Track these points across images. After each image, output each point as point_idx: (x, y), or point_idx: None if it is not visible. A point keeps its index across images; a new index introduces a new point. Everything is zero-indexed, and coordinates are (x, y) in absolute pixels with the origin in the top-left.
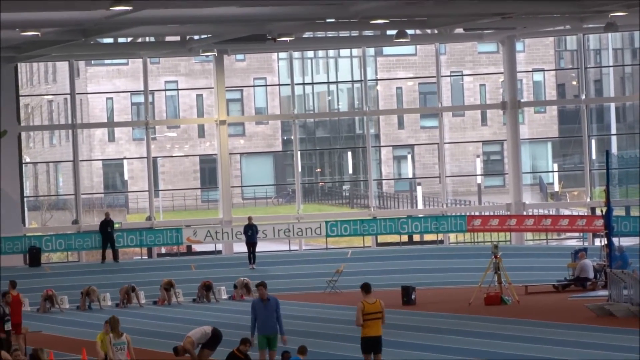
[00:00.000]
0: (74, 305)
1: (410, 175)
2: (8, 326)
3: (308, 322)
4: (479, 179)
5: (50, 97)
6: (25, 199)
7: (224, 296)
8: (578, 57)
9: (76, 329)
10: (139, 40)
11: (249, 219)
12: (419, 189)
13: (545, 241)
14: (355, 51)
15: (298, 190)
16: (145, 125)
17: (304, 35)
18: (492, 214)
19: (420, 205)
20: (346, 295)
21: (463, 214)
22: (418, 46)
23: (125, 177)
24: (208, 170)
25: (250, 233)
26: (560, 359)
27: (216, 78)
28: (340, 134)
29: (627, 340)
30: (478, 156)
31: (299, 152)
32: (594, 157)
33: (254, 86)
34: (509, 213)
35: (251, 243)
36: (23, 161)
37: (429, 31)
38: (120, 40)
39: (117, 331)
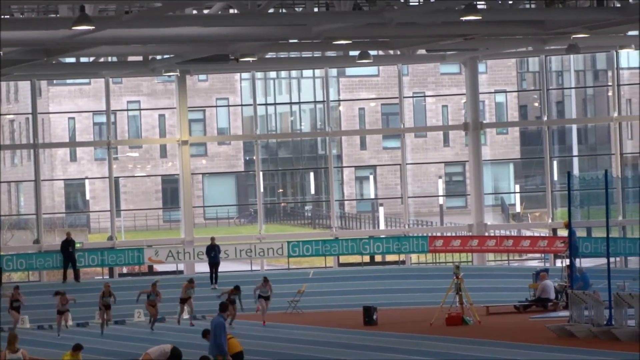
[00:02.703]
0: (34, 325)
1: (373, 196)
2: None
3: (270, 342)
4: (441, 200)
5: (11, 116)
6: None
7: (185, 316)
8: (540, 78)
9: (38, 349)
10: (101, 60)
11: (212, 239)
12: (381, 209)
13: (506, 262)
14: (317, 72)
15: (260, 211)
16: (107, 145)
17: (267, 56)
18: (454, 234)
19: (382, 226)
20: (308, 315)
21: (425, 234)
22: (380, 67)
23: (87, 197)
24: (170, 190)
25: (213, 254)
26: None
27: (178, 98)
28: (303, 154)
29: None
30: (440, 177)
31: (261, 173)
32: (555, 178)
33: (216, 106)
34: (470, 234)
35: (214, 263)
36: None
37: (391, 52)
38: (83, 59)
39: (13, 346)
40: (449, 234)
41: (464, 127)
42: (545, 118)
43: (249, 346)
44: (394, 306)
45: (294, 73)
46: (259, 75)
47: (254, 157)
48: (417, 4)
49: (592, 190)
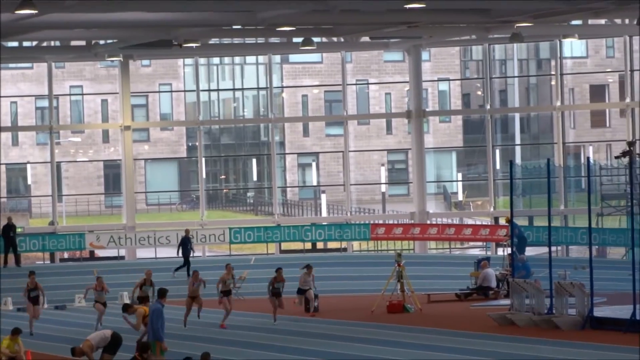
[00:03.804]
0: None
1: (315, 183)
2: None
3: (211, 328)
4: (384, 188)
5: None
6: None
7: (127, 301)
8: (483, 67)
9: None
10: (45, 44)
11: (187, 231)
12: (323, 196)
13: (448, 250)
14: (261, 58)
15: (202, 197)
16: (49, 130)
17: (210, 42)
18: (396, 222)
19: (324, 213)
20: (249, 301)
21: (367, 222)
22: (324, 54)
23: (29, 182)
24: (112, 176)
25: (190, 245)
26: None
27: (121, 83)
28: (245, 140)
29: (528, 349)
30: (383, 165)
31: (203, 159)
32: (498, 167)
33: (159, 92)
34: (412, 222)
35: (188, 255)
36: None
37: (335, 39)
38: (26, 44)
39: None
40: (391, 222)
41: (406, 115)
42: (488, 106)
43: (185, 332)
44: (335, 293)
45: (237, 59)
46: (202, 61)
47: (197, 143)
48: None
49: (534, 179)
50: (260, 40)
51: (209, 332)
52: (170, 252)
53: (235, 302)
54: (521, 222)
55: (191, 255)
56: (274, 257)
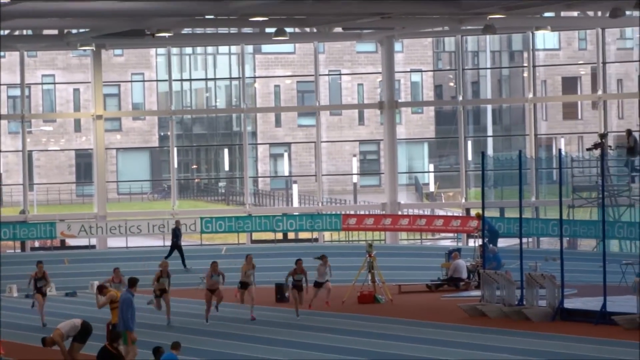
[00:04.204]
0: None
1: (287, 173)
2: None
3: (181, 317)
4: (355, 178)
5: None
6: None
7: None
8: (456, 58)
9: None
10: (17, 32)
11: (177, 222)
12: (295, 187)
13: (419, 241)
14: (233, 48)
15: (174, 186)
16: (21, 119)
17: (183, 32)
18: (367, 213)
19: (295, 204)
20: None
21: (338, 212)
22: (297, 44)
23: (0, 170)
24: (84, 165)
25: (180, 236)
26: (432, 358)
27: (93, 72)
28: (217, 130)
29: (498, 340)
30: (354, 155)
31: (175, 148)
32: (469, 158)
33: (131, 81)
34: (384, 212)
35: (179, 246)
36: None
37: (307, 30)
38: None
39: None
40: (362, 213)
41: (379, 106)
42: (460, 98)
43: (159, 321)
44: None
45: (209, 49)
46: (174, 50)
47: (169, 133)
48: None
49: (505, 170)
50: (233, 30)
51: (181, 322)
52: (141, 242)
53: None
54: (492, 213)
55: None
56: (245, 247)
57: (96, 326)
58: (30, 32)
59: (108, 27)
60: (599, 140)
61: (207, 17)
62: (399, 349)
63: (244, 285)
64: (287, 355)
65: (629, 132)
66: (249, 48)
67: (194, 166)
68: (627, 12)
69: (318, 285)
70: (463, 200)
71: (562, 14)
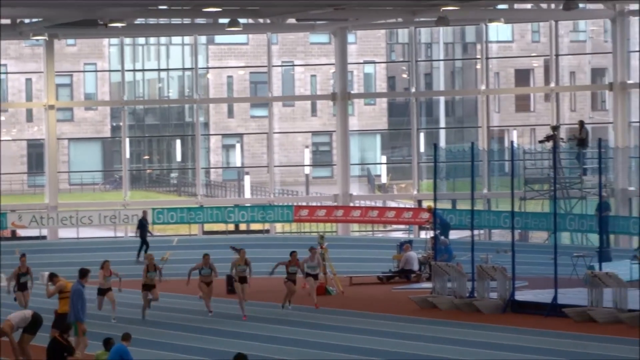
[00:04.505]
0: None
1: (239, 165)
2: None
3: (132, 309)
4: (307, 170)
5: None
6: None
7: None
8: (409, 50)
9: None
10: None
11: (144, 212)
12: (247, 178)
13: (371, 233)
14: (186, 39)
15: (125, 177)
16: None
17: (136, 22)
18: (319, 204)
19: (247, 195)
20: (171, 283)
21: (290, 204)
22: (250, 35)
23: None
24: (35, 155)
25: (147, 227)
26: (383, 350)
27: (46, 62)
28: (170, 121)
29: (449, 332)
30: (307, 147)
31: (127, 139)
32: (422, 150)
33: (84, 71)
34: (336, 204)
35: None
36: None
37: (261, 21)
38: None
39: None
40: (314, 204)
41: (332, 97)
42: (413, 90)
43: (102, 312)
44: (257, 275)
45: (162, 40)
46: (127, 41)
47: (121, 123)
48: None
49: (458, 162)
50: (186, 20)
51: (132, 314)
52: (92, 233)
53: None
54: (444, 205)
55: (148, 236)
56: (196, 239)
57: (47, 317)
58: None
59: (61, 17)
60: (551, 133)
61: (160, 7)
62: (349, 340)
63: (241, 280)
64: (236, 347)
65: (582, 124)
66: (202, 39)
67: (146, 157)
68: (581, 5)
69: (311, 276)
70: (415, 192)
71: (516, 6)
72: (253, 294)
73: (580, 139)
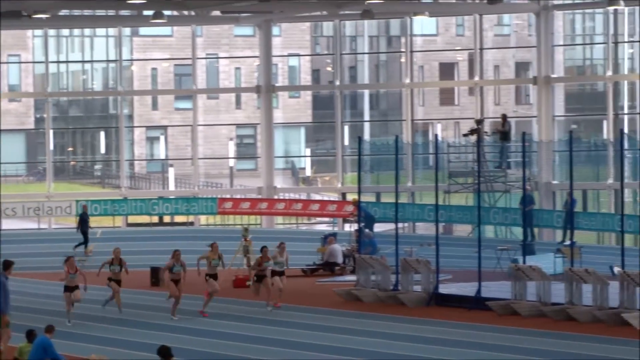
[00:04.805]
0: None
1: (163, 157)
2: None
3: (56, 300)
4: (232, 162)
5: None
6: None
7: None
8: (333, 43)
9: None
10: None
11: (84, 207)
12: (171, 170)
13: (295, 225)
14: (111, 31)
15: (49, 169)
16: None
17: (60, 13)
18: (243, 197)
19: (172, 187)
20: (95, 275)
21: (214, 196)
22: (175, 28)
23: None
24: None
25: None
26: (306, 342)
27: None
28: (94, 113)
29: (373, 325)
30: (231, 139)
31: (51, 131)
32: (346, 143)
33: (7, 62)
34: (260, 196)
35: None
36: None
37: (186, 13)
38: None
39: None
40: (238, 197)
41: (256, 90)
42: (337, 83)
43: (33, 304)
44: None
45: (87, 31)
46: (51, 32)
47: (45, 115)
48: None
49: (382, 155)
50: (111, 12)
51: (55, 306)
52: (15, 224)
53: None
54: (368, 198)
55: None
56: (120, 231)
57: None
58: None
59: None
60: (476, 126)
61: None
62: (273, 333)
63: (212, 277)
64: (164, 338)
65: (504, 117)
66: (126, 30)
67: (70, 149)
68: None
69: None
70: (339, 185)
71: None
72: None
73: (502, 132)
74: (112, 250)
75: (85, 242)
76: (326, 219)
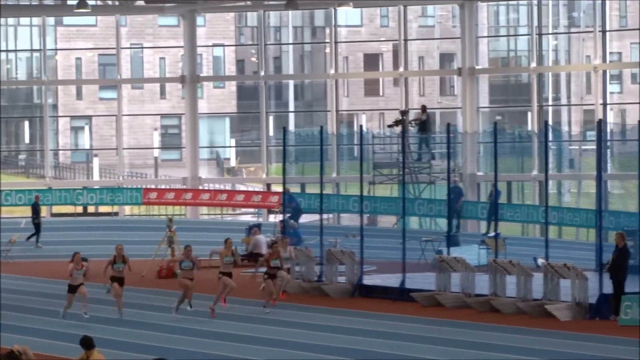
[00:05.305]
0: None
1: (87, 147)
2: None
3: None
4: (156, 152)
5: None
6: None
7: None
8: (258, 33)
9: None
10: None
11: (37, 197)
12: (96, 160)
13: (220, 216)
14: (35, 20)
15: None
16: None
17: None
18: (168, 187)
19: (96, 177)
20: (19, 265)
21: (139, 186)
22: (99, 17)
23: None
24: None
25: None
26: (230, 334)
27: None
28: (18, 102)
29: (297, 316)
30: (156, 129)
31: None
32: (271, 133)
33: None
34: (185, 187)
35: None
36: None
37: (110, 2)
38: None
39: None
40: (163, 187)
41: (181, 80)
42: (262, 73)
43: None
44: (106, 258)
45: (10, 20)
46: None
47: None
48: None
49: (307, 146)
50: (35, 1)
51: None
52: None
53: (4, 265)
54: (293, 189)
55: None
56: (44, 221)
57: None
58: None
59: None
60: (400, 117)
61: None
62: (195, 323)
63: (226, 275)
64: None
65: (424, 108)
66: (50, 20)
67: None
68: None
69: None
70: (264, 176)
71: None
72: (97, 276)
73: (421, 121)
74: (114, 247)
75: (37, 232)
76: (251, 210)
